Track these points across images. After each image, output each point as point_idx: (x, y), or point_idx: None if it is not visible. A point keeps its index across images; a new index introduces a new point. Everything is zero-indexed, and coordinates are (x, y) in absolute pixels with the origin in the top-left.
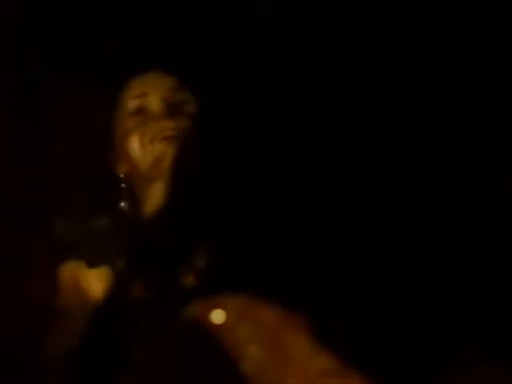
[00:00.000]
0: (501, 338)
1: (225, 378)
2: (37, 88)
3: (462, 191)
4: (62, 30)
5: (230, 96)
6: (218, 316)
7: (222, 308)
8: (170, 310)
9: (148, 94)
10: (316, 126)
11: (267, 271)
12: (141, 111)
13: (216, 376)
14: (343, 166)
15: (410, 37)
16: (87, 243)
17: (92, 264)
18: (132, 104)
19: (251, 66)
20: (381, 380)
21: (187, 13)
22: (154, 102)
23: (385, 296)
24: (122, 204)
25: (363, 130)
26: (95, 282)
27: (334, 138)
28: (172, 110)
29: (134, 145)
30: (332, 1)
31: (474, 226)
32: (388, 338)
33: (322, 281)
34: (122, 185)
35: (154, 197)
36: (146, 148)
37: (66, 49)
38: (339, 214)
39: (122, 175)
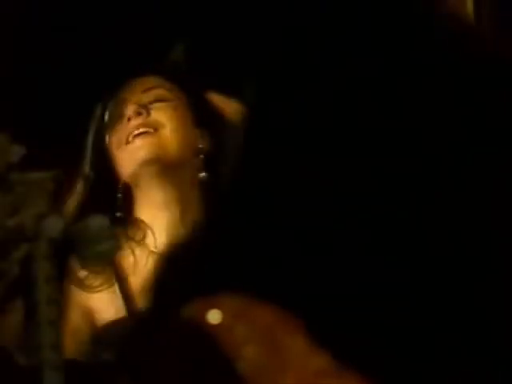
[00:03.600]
0: (499, 342)
1: (222, 378)
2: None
3: (461, 193)
4: (61, 30)
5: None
6: (214, 316)
7: (219, 308)
8: (166, 310)
9: (126, 99)
10: (316, 125)
11: (265, 271)
12: (119, 118)
13: (213, 376)
14: (342, 168)
15: (409, 37)
16: (85, 243)
17: (90, 265)
18: (112, 112)
19: (251, 65)
20: (379, 380)
21: (185, 13)
22: (128, 107)
23: (383, 296)
24: (118, 214)
25: (363, 130)
26: (107, 305)
27: (332, 139)
28: (142, 108)
29: (116, 151)
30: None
31: (475, 227)
32: (386, 338)
33: (320, 281)
34: (119, 195)
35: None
36: (124, 150)
37: (65, 48)
38: (338, 214)
39: (120, 185)
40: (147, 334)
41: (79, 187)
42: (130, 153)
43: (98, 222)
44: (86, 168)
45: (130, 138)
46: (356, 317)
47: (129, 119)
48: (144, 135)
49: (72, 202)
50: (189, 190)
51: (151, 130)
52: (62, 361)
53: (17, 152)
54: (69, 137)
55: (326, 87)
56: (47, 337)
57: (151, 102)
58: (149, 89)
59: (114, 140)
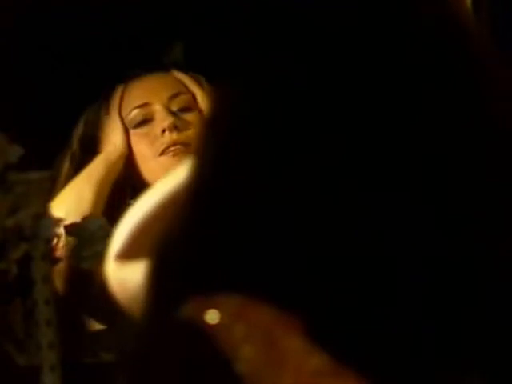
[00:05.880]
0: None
1: (220, 378)
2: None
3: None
4: (61, 30)
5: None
6: (212, 316)
7: (217, 308)
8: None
9: (150, 103)
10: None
11: (263, 270)
12: (145, 122)
13: (211, 377)
14: (343, 167)
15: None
16: (83, 243)
17: (88, 264)
18: (134, 114)
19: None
20: (376, 380)
21: (184, 13)
22: (159, 113)
23: (381, 296)
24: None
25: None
26: None
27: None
28: (178, 120)
29: (144, 158)
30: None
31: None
32: (384, 337)
33: (318, 280)
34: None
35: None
36: (157, 161)
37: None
38: (337, 214)
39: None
40: (146, 333)
41: (65, 166)
42: (163, 166)
43: (95, 222)
44: (75, 144)
45: (165, 152)
46: (354, 317)
47: (163, 131)
48: (179, 151)
49: (59, 185)
50: None
51: (186, 147)
52: (59, 360)
53: (15, 152)
54: (68, 137)
55: (323, 87)
56: (45, 336)
57: (181, 111)
58: (175, 95)
59: (141, 145)
